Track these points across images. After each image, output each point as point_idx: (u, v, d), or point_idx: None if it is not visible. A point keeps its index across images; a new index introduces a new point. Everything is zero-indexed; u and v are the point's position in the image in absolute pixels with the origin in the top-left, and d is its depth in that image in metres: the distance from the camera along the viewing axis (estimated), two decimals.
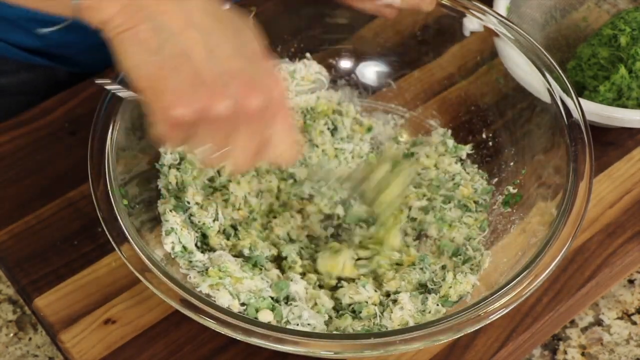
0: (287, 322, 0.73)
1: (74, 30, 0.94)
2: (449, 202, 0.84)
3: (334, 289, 0.79)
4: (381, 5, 0.83)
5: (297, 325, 0.73)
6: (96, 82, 0.69)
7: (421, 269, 0.78)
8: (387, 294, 0.77)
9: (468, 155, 0.89)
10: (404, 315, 0.74)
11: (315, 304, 0.76)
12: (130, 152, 0.79)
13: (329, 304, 0.76)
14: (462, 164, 0.88)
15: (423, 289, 0.78)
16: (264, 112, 0.63)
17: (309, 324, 0.73)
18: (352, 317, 0.75)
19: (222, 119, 0.61)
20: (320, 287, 0.79)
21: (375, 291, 0.77)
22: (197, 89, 0.60)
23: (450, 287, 0.75)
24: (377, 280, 0.79)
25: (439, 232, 0.82)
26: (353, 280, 0.79)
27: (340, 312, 0.76)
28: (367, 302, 0.76)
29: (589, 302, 0.85)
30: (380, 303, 0.76)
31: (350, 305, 0.76)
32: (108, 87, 0.71)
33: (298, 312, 0.74)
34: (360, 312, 0.75)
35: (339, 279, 0.79)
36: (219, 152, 0.64)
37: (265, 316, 0.73)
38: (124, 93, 0.69)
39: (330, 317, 0.76)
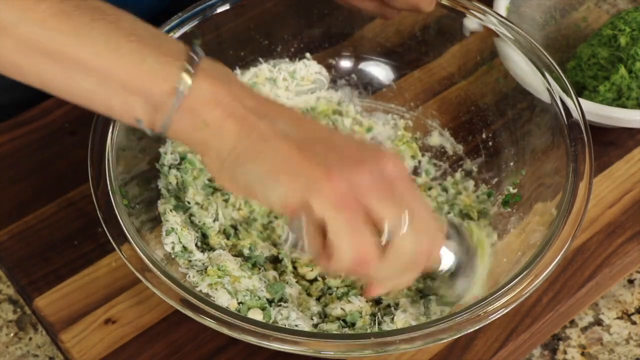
0: (275, 322, 0.73)
1: None
2: (450, 213, 0.84)
3: (321, 297, 0.78)
4: (381, 6, 0.83)
5: (285, 325, 0.73)
6: None
7: None
8: (388, 305, 0.77)
9: (467, 155, 0.89)
10: (407, 318, 0.73)
11: (308, 308, 0.76)
12: (130, 152, 0.79)
13: (316, 308, 0.76)
14: (463, 172, 0.88)
15: (420, 293, 0.77)
16: (399, 182, 0.60)
17: (296, 325, 0.73)
18: (343, 326, 0.75)
19: (370, 184, 0.58)
20: (309, 294, 0.79)
21: (367, 302, 0.76)
22: (342, 162, 0.57)
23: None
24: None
25: None
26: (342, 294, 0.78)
27: (329, 317, 0.76)
28: (360, 313, 0.75)
29: (589, 302, 0.85)
30: (373, 314, 0.76)
31: (339, 318, 0.76)
32: None
33: (286, 313, 0.74)
34: (355, 324, 0.75)
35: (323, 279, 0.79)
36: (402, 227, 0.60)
37: (255, 315, 0.73)
38: None
39: (321, 318, 0.76)
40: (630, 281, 0.88)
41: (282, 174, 0.58)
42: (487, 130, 0.89)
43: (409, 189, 0.61)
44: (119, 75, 0.56)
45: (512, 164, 0.85)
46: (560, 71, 0.82)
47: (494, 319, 0.68)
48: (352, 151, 0.60)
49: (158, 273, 0.68)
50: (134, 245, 0.69)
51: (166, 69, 0.56)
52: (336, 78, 0.94)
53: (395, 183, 0.60)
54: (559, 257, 0.70)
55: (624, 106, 0.90)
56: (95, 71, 0.57)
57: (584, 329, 0.85)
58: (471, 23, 0.87)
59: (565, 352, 0.83)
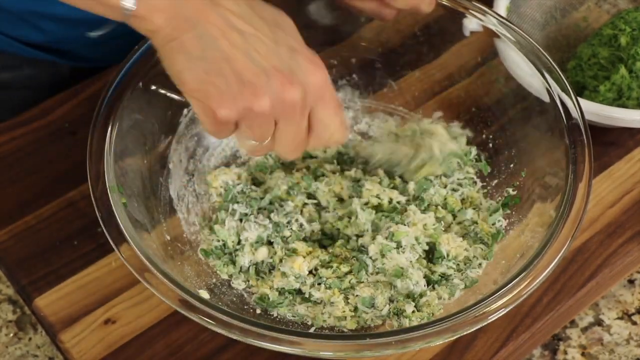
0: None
1: (75, 25, 0.95)
2: (464, 240, 0.81)
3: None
4: (380, 7, 0.83)
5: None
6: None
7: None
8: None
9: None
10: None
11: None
12: (130, 152, 0.79)
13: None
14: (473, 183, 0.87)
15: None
16: (304, 101, 0.66)
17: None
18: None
19: (265, 114, 0.65)
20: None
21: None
22: (239, 90, 0.64)
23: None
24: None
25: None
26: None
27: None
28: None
29: (589, 302, 0.85)
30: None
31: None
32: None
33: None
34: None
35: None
36: (265, 142, 0.69)
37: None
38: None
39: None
40: (631, 281, 0.88)
41: (185, 84, 0.66)
42: (487, 131, 0.89)
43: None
44: None
45: (512, 165, 0.85)
46: (560, 72, 0.82)
47: (493, 319, 0.68)
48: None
49: (157, 273, 0.68)
50: (133, 245, 0.69)
51: None
52: (337, 78, 0.94)
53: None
54: (558, 257, 0.70)
55: (624, 106, 0.90)
56: None
57: (584, 329, 0.85)
58: (471, 23, 0.87)
59: (565, 352, 0.83)
